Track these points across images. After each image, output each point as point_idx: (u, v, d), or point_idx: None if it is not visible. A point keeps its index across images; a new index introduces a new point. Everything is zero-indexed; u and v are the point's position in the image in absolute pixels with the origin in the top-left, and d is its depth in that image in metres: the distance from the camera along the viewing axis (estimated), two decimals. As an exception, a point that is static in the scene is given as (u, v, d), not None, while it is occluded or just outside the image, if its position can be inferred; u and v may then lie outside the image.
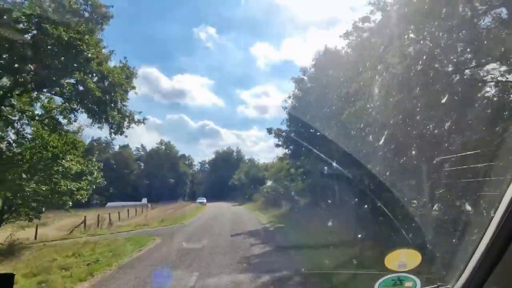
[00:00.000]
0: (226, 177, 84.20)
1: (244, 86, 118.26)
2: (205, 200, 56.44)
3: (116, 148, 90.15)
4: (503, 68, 8.41)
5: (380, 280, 2.37)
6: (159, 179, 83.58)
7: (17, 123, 15.08)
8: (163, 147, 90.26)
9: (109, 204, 71.26)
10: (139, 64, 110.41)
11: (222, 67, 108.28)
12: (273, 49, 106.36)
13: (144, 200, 75.85)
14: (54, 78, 13.99)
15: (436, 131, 8.98)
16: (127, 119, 16.84)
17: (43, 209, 16.40)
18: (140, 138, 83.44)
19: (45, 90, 15.23)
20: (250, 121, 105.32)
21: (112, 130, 16.77)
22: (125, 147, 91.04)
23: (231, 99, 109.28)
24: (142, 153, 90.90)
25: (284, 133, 24.86)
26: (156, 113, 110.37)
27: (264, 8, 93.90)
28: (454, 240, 6.49)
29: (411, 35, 9.88)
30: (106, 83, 15.28)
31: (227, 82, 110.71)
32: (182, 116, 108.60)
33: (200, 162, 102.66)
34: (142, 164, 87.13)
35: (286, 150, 25.82)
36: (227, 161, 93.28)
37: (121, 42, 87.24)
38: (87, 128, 18.05)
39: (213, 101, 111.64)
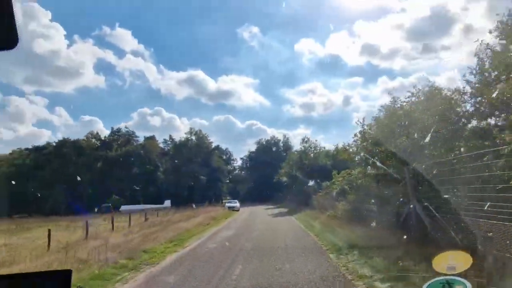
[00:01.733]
0: (271, 173, 65.76)
1: (289, 85, 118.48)
2: (237, 204, 39.16)
3: (141, 139, 75.87)
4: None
5: (428, 283, 2.36)
6: (188, 176, 67.33)
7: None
8: (193, 137, 73.94)
9: (123, 208, 56.27)
10: (185, 67, 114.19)
11: (266, 66, 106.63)
12: (319, 45, 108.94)
13: (167, 203, 60.26)
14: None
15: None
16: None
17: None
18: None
19: None
20: (296, 119, 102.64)
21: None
22: (150, 138, 76.34)
23: (276, 98, 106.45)
24: (171, 145, 75.19)
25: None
26: (203, 114, 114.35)
27: (307, 3, 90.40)
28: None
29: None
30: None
31: (272, 81, 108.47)
32: (228, 116, 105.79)
33: (241, 158, 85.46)
34: (168, 159, 71.31)
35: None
36: (271, 152, 74.90)
37: (168, 46, 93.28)
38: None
39: (258, 100, 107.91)
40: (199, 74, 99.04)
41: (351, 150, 17.18)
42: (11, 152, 72.87)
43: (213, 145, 76.44)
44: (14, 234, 21.02)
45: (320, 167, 31.75)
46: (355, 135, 14.79)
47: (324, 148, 36.63)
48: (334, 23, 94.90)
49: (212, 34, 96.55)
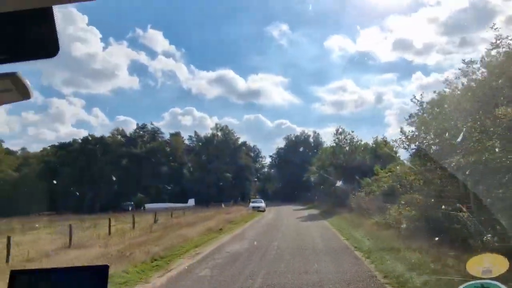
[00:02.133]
0: (300, 171, 61.68)
1: (319, 82, 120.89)
2: (262, 204, 35.41)
3: (167, 136, 74.01)
4: None
5: (461, 287, 2.32)
6: (213, 174, 64.44)
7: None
8: (218, 132, 70.93)
9: (148, 206, 54.35)
10: (215, 67, 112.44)
11: (296, 64, 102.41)
12: (349, 41, 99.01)
13: (191, 202, 57.64)
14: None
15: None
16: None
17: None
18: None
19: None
20: (326, 118, 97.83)
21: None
22: (175, 135, 74.27)
23: (306, 96, 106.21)
24: (196, 142, 72.69)
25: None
26: (233, 113, 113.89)
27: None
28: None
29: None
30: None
31: (302, 79, 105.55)
32: (258, 115, 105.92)
33: (270, 156, 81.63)
34: (193, 156, 68.77)
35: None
36: (301, 149, 70.45)
37: (198, 46, 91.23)
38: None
39: (288, 99, 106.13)
40: (229, 73, 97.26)
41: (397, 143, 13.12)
42: (42, 149, 73.42)
43: (240, 141, 72.88)
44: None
45: (358, 163, 27.29)
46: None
47: (361, 141, 32.06)
48: (364, 19, 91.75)
49: (241, 33, 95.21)
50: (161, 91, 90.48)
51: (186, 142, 72.67)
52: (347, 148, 30.67)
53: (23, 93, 0.86)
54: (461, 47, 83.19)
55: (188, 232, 14.18)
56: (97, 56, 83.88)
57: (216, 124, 71.59)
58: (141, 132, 74.68)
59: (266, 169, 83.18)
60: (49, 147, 71.06)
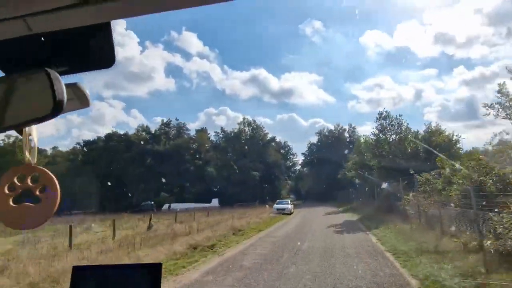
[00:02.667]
0: (335, 168, 55.79)
1: (354, 80, 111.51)
2: (287, 206, 29.79)
3: (193, 132, 70.44)
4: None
5: None
6: (240, 172, 59.69)
7: None
8: (246, 128, 66.09)
9: (166, 207, 50.79)
10: (248, 67, 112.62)
11: (330, 61, 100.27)
12: (386, 36, 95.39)
13: (215, 202, 53.33)
14: None
15: None
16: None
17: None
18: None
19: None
20: (362, 116, 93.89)
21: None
22: (201, 131, 70.47)
23: (341, 94, 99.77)
24: (222, 138, 68.34)
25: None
26: (267, 113, 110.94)
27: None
28: None
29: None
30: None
31: (336, 77, 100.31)
32: (292, 115, 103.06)
33: (303, 153, 75.60)
34: (219, 153, 64.49)
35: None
36: (335, 144, 64.11)
37: (231, 47, 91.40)
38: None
39: (322, 97, 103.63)
40: (262, 72, 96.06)
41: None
42: (71, 148, 72.43)
43: (269, 136, 67.62)
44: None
45: (409, 155, 21.03)
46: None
47: (408, 124, 25.19)
48: (402, 12, 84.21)
49: (274, 31, 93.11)
50: (196, 92, 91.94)
51: (213, 138, 68.66)
52: (393, 136, 24.46)
53: (83, 102, 0.91)
54: (508, 38, 75.18)
55: (174, 248, 9.33)
56: (135, 59, 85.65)
57: (244, 119, 66.86)
58: (166, 129, 71.74)
59: (298, 167, 77.35)
60: (77, 145, 69.73)
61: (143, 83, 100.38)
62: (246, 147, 63.26)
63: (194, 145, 67.20)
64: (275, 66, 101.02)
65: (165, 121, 72.15)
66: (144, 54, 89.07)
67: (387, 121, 25.16)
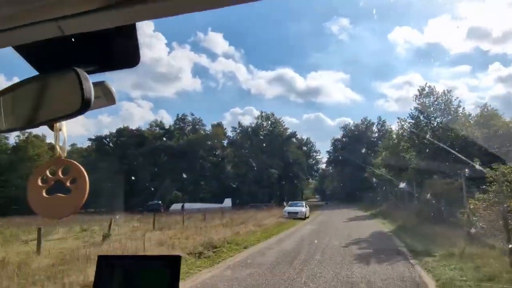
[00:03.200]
0: (362, 166, 50.01)
1: (382, 78, 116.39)
2: (301, 209, 24.40)
3: (208, 127, 66.30)
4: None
5: None
6: (256, 170, 54.96)
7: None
8: (263, 122, 61.20)
9: (174, 206, 47.07)
10: (274, 66, 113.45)
11: (357, 59, 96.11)
12: (416, 32, 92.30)
13: (227, 202, 48.81)
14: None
15: None
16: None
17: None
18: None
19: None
20: (391, 114, 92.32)
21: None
22: (217, 126, 66.16)
23: (368, 92, 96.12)
24: (239, 133, 63.73)
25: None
26: (293, 113, 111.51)
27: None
28: None
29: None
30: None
31: (364, 75, 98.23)
32: (318, 114, 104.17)
33: (327, 151, 69.68)
34: (235, 149, 60.01)
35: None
36: (363, 140, 58.04)
37: (257, 46, 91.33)
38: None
39: (349, 96, 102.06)
40: (288, 72, 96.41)
41: None
42: (88, 145, 70.25)
43: (289, 131, 62.39)
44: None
45: (462, 142, 15.25)
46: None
47: (460, 102, 18.83)
48: (433, 7, 79.75)
49: (299, 30, 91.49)
50: (222, 92, 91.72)
51: (230, 134, 64.23)
52: (438, 119, 18.49)
53: (109, 100, 0.96)
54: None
55: None
56: (162, 60, 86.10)
57: (261, 113, 61.95)
58: (181, 124, 68.06)
59: (323, 165, 71.69)
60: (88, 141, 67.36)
61: (170, 83, 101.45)
62: (264, 143, 58.50)
63: (209, 142, 62.99)
64: (301, 65, 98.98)
65: (180, 116, 68.47)
66: (172, 55, 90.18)
67: (431, 99, 19.29)
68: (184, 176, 59.36)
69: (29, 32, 0.75)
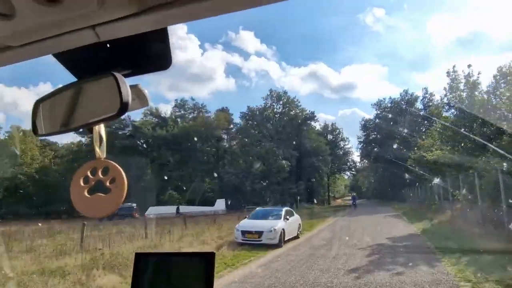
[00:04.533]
0: (403, 154, 37.15)
1: (421, 69, 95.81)
2: (276, 225, 11.58)
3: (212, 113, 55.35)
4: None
5: None
6: (264, 162, 43.28)
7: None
8: (274, 104, 49.23)
9: (151, 210, 36.51)
10: (307, 62, 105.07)
11: (394, 51, 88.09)
12: (457, 19, 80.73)
13: (220, 204, 37.76)
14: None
15: None
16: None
17: None
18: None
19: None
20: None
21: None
22: (222, 111, 54.88)
23: (407, 85, 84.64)
24: (246, 120, 51.94)
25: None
26: (328, 109, 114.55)
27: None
28: None
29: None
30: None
31: (401, 67, 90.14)
32: (354, 110, 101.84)
33: (358, 138, 56.04)
34: (238, 137, 48.56)
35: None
36: (403, 119, 44.25)
37: (289, 43, 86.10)
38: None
39: (386, 89, 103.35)
40: (321, 67, 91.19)
41: None
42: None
43: (306, 113, 49.86)
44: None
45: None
46: None
47: None
48: None
49: (331, 24, 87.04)
50: (255, 91, 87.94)
51: (237, 121, 52.75)
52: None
53: (143, 102, 0.98)
54: None
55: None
56: (196, 62, 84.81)
57: (270, 91, 49.90)
58: (181, 111, 57.67)
59: (356, 157, 58.56)
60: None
61: (204, 84, 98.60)
62: (274, 129, 46.52)
63: (208, 130, 51.79)
64: (334, 60, 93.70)
65: (179, 101, 58.09)
66: (205, 56, 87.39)
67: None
68: (182, 171, 49.11)
69: (67, 40, 0.76)
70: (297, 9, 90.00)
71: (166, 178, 46.59)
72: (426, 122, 42.81)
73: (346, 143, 57.22)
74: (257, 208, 15.35)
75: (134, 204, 37.20)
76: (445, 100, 23.49)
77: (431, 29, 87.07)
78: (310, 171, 46.17)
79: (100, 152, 0.96)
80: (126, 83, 0.83)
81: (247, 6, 0.74)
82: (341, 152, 57.79)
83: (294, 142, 45.92)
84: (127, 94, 0.82)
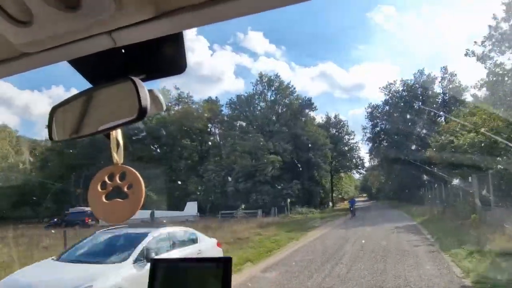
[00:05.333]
0: (420, 146, 29.50)
1: (436, 67, 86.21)
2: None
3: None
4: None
5: None
6: (249, 159, 36.41)
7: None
8: (265, 90, 42.36)
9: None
10: (316, 62, 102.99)
11: (406, 49, 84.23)
12: (470, 15, 76.20)
13: (191, 209, 31.26)
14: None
15: None
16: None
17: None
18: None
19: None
20: None
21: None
22: (209, 102, 48.10)
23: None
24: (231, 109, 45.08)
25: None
26: (338, 109, 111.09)
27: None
28: None
29: None
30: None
31: (414, 65, 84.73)
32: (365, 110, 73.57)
33: (365, 131, 48.44)
34: (223, 130, 41.79)
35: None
36: (417, 105, 36.84)
37: (298, 43, 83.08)
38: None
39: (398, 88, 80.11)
40: (331, 67, 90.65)
41: None
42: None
43: (302, 101, 42.74)
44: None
45: None
46: None
47: None
48: None
49: (341, 23, 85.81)
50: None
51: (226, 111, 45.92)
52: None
53: (158, 106, 0.97)
54: None
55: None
56: (205, 63, 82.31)
57: (260, 75, 42.93)
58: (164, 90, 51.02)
59: (362, 154, 51.30)
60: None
61: (214, 85, 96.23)
62: (263, 119, 39.59)
63: (193, 122, 45.14)
64: (344, 59, 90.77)
65: (162, 89, 51.31)
66: (214, 57, 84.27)
67: None
68: (160, 170, 42.49)
69: (84, 46, 0.76)
70: (305, 8, 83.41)
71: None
72: (446, 108, 35.44)
73: (352, 137, 49.84)
74: (101, 231, 8.30)
75: (88, 208, 30.56)
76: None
77: (443, 25, 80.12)
78: (308, 169, 38.99)
79: (118, 157, 0.94)
80: (145, 87, 0.81)
81: (259, 10, 0.72)
82: (346, 148, 50.40)
83: (288, 135, 38.93)
84: (146, 99, 0.80)
